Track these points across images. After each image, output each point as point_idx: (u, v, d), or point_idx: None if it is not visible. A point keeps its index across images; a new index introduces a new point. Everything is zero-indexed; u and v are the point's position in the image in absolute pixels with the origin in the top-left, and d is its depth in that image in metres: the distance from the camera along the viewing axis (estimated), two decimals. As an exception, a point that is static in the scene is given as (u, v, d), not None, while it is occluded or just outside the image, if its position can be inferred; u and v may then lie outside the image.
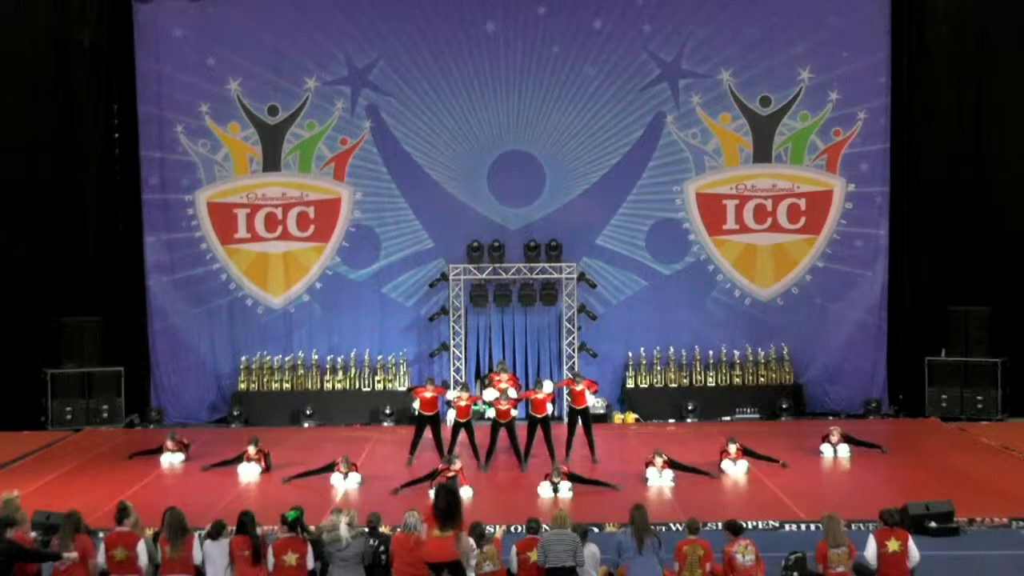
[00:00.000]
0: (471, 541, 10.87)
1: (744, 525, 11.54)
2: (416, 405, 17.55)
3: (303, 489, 15.65)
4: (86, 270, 21.70)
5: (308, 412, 21.31)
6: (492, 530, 11.95)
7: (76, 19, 21.43)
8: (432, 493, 11.62)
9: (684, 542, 10.87)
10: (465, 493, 14.61)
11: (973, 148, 21.47)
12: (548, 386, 17.72)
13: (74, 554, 10.54)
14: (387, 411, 21.25)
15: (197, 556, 10.74)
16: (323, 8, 21.79)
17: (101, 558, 10.83)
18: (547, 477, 15.47)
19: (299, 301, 22.30)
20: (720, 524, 12.87)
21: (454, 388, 19.47)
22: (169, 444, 17.79)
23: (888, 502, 12.27)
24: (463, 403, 17.20)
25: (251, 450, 16.87)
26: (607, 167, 22.11)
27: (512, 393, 17.17)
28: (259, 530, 11.01)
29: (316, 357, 21.99)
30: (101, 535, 12.05)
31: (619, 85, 21.95)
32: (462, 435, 17.39)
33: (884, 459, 17.50)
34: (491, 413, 17.43)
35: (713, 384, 21.71)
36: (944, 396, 20.96)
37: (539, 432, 17.09)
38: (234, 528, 10.99)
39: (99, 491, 15.71)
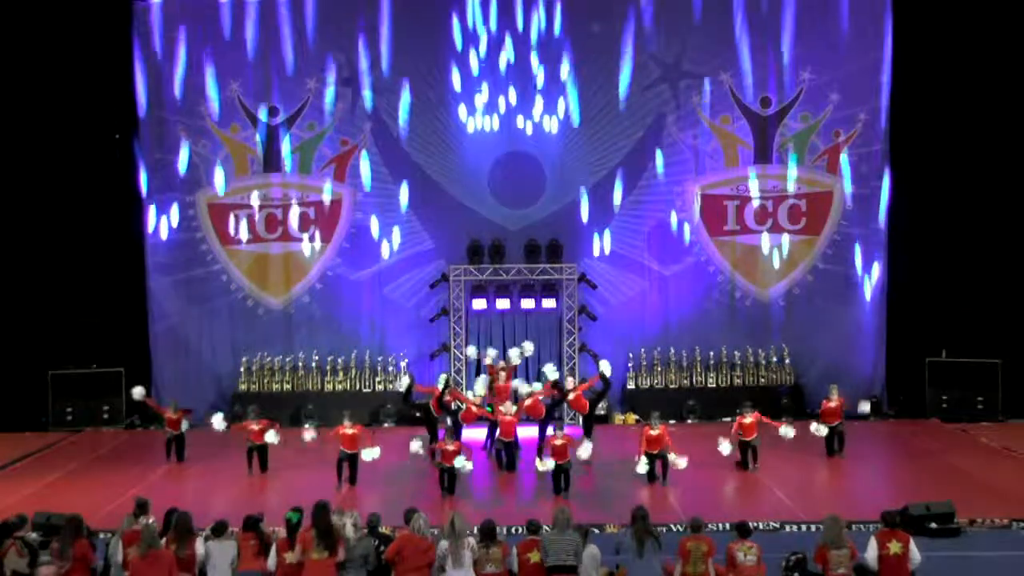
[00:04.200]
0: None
1: (752, 528, 11.48)
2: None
3: (305, 490, 15.64)
4: (86, 271, 21.71)
5: (308, 413, 21.30)
6: (502, 531, 11.97)
7: (76, 19, 21.42)
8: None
9: (688, 539, 10.88)
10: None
11: (973, 148, 21.45)
12: (550, 372, 18.12)
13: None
14: (387, 411, 21.25)
15: (200, 557, 10.74)
16: (323, 9, 21.78)
17: (119, 555, 10.82)
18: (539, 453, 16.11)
19: (299, 302, 22.30)
20: (720, 525, 12.95)
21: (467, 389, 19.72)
22: (171, 413, 18.20)
23: (888, 502, 12.29)
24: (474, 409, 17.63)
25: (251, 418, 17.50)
26: (607, 168, 22.10)
27: (511, 407, 17.41)
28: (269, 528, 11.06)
29: (316, 358, 21.98)
30: (102, 536, 12.09)
31: (619, 86, 21.94)
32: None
33: (884, 460, 17.58)
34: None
35: (713, 385, 21.71)
36: (944, 397, 20.96)
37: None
38: (234, 529, 11.00)
39: (100, 492, 15.73)
